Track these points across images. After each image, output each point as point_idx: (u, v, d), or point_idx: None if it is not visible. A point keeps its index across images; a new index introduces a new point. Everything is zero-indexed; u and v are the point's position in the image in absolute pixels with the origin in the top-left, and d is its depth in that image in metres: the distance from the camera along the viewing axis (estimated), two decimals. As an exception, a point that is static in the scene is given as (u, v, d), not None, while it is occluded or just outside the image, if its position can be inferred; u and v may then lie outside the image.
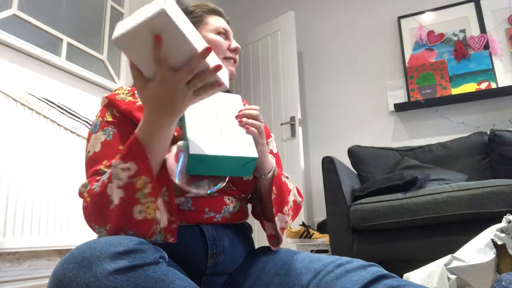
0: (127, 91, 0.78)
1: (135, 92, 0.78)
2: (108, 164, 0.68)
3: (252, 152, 0.66)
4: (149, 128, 0.60)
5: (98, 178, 0.66)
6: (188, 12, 0.88)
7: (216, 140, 0.64)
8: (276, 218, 0.78)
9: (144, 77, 0.57)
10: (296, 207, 0.86)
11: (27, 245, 1.45)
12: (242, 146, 0.66)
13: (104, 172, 0.67)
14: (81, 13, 2.08)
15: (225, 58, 0.86)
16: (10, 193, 1.42)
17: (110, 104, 0.76)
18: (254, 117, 0.72)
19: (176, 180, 0.63)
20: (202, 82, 0.57)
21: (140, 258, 0.50)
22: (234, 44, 0.88)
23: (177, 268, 0.64)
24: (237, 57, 0.90)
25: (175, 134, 0.71)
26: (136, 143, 0.60)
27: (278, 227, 0.79)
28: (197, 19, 0.87)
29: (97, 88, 2.02)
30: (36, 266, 1.53)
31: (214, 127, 0.66)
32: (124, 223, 0.59)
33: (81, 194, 0.67)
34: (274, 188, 0.77)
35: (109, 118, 0.74)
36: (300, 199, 0.89)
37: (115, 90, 0.80)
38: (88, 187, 0.65)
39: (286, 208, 0.80)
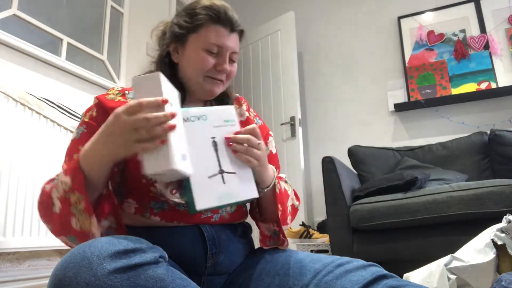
0: (117, 91, 0.80)
1: (125, 92, 0.80)
2: (67, 162, 0.72)
3: (252, 193, 0.67)
4: (91, 151, 0.61)
5: (53, 177, 0.69)
6: (191, 14, 0.80)
7: (218, 186, 0.64)
8: (282, 228, 0.80)
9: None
10: (294, 211, 0.87)
11: (27, 245, 1.45)
12: (243, 188, 0.66)
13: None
14: (81, 13, 2.08)
15: (208, 77, 0.80)
16: (10, 193, 1.42)
17: (96, 105, 0.77)
18: (252, 143, 0.68)
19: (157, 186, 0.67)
20: (149, 134, 0.55)
21: (140, 258, 0.50)
22: (222, 66, 0.79)
23: (176, 268, 0.65)
24: (223, 77, 0.81)
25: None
26: (76, 160, 0.63)
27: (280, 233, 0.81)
28: (193, 27, 0.79)
29: (97, 88, 2.02)
30: (36, 266, 1.53)
31: (214, 167, 0.65)
32: (64, 229, 0.63)
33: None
34: (279, 205, 0.77)
35: (86, 118, 0.75)
36: (298, 203, 0.90)
37: (107, 91, 0.81)
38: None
39: (289, 218, 0.83)
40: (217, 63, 0.79)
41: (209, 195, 0.62)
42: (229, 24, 0.80)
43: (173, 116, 0.56)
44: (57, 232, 0.66)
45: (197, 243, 0.72)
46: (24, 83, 1.61)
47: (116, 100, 0.77)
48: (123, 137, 0.57)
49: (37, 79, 1.69)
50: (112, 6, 2.24)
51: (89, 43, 2.06)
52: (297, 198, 0.90)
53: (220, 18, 0.79)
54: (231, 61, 0.83)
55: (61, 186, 0.61)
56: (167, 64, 0.84)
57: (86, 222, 0.61)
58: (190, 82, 0.82)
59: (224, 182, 0.64)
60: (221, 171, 0.65)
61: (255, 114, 0.95)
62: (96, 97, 0.78)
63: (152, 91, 0.57)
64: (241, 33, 0.84)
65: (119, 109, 0.57)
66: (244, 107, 0.92)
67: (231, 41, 0.80)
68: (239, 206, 0.82)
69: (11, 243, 1.40)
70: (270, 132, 0.96)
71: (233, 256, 0.77)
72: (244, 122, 0.88)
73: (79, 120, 1.76)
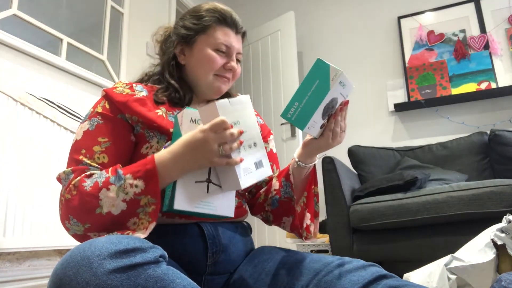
0: (125, 85, 0.80)
1: (133, 85, 0.80)
2: (87, 154, 0.70)
3: (229, 212, 0.70)
4: (170, 158, 0.64)
5: (87, 173, 0.67)
6: (197, 16, 0.85)
7: (201, 194, 0.67)
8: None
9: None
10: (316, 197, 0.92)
11: (27, 245, 1.45)
12: (223, 204, 0.69)
13: (87, 165, 0.69)
14: (81, 13, 2.08)
15: (217, 75, 0.84)
16: (10, 193, 1.42)
17: (105, 97, 0.78)
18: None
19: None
20: (231, 149, 0.64)
21: (140, 257, 0.50)
22: (231, 64, 0.85)
23: (177, 267, 0.65)
24: (230, 75, 0.87)
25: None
26: (151, 164, 0.63)
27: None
28: (202, 28, 0.84)
29: (97, 88, 2.02)
30: (36, 266, 1.53)
31: (203, 174, 0.68)
32: (108, 227, 0.63)
33: (59, 179, 0.70)
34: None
35: (99, 109, 0.76)
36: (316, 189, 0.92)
37: (114, 84, 0.81)
38: (75, 180, 0.66)
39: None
40: (226, 61, 0.84)
41: (189, 199, 0.64)
42: (234, 26, 0.86)
43: (241, 133, 0.66)
44: (93, 230, 0.64)
45: (197, 242, 0.72)
46: (24, 83, 1.61)
47: (124, 93, 0.77)
48: (210, 151, 0.63)
49: (37, 79, 1.69)
50: (112, 6, 2.24)
51: (89, 43, 2.06)
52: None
53: (226, 20, 0.84)
54: (237, 61, 0.87)
55: (130, 189, 0.62)
56: (174, 67, 0.87)
57: (145, 225, 0.62)
58: (199, 81, 0.86)
59: (207, 192, 0.67)
60: (209, 180, 0.67)
61: (256, 113, 0.96)
62: (104, 90, 0.78)
63: (213, 112, 0.64)
64: (244, 35, 0.90)
65: (206, 127, 0.63)
66: None
67: (237, 41, 0.86)
68: (239, 202, 0.82)
69: (11, 243, 1.40)
70: (271, 132, 0.98)
71: (234, 256, 0.77)
72: None
73: (79, 120, 1.77)
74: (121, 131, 0.74)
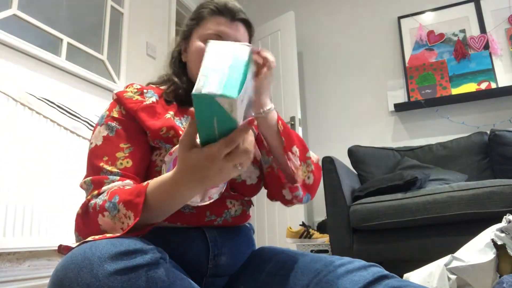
0: (135, 90, 0.78)
1: (144, 91, 0.78)
2: (109, 162, 0.69)
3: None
4: (170, 186, 0.57)
5: (103, 180, 0.67)
6: (195, 11, 0.84)
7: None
8: (288, 154, 0.74)
9: (192, 144, 0.53)
10: (317, 168, 0.83)
11: (27, 245, 1.45)
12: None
13: (107, 173, 0.68)
14: (81, 13, 2.08)
15: None
16: (10, 193, 1.42)
17: (117, 101, 0.76)
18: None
19: None
20: (249, 159, 0.54)
21: (141, 259, 0.50)
22: None
23: (178, 269, 0.64)
24: None
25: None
26: (140, 197, 0.58)
27: (292, 165, 0.75)
28: (197, 21, 0.82)
29: (97, 88, 2.02)
30: (36, 266, 1.53)
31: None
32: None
33: (82, 187, 0.70)
34: (280, 123, 0.75)
35: (115, 114, 0.74)
36: (316, 157, 0.85)
37: (126, 87, 0.80)
38: (89, 196, 0.66)
39: (295, 148, 0.76)
40: None
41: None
42: (229, 13, 0.79)
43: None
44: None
45: (199, 244, 0.71)
46: (24, 83, 1.61)
47: (134, 98, 0.76)
48: (228, 175, 0.55)
49: (37, 79, 1.69)
50: (112, 6, 2.24)
51: (89, 43, 2.06)
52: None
53: (219, 9, 0.79)
54: None
55: (125, 220, 0.59)
56: (177, 64, 0.86)
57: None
58: (195, 77, 0.81)
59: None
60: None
61: None
62: (116, 94, 0.77)
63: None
64: (245, 22, 0.82)
65: (215, 154, 0.51)
66: None
67: (233, 29, 0.79)
68: (243, 209, 0.81)
69: (11, 243, 1.40)
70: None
71: (235, 258, 0.76)
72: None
73: (79, 120, 1.77)
74: (139, 135, 0.74)
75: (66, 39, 1.89)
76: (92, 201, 0.64)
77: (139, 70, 2.37)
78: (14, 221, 1.42)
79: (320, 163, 0.83)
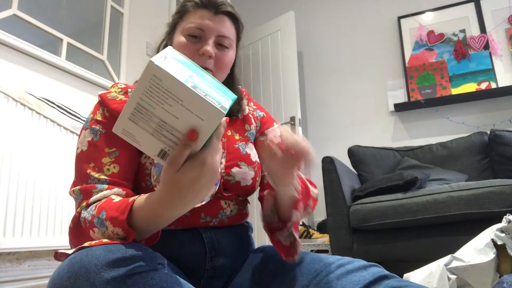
0: (120, 89, 0.75)
1: (128, 90, 0.75)
2: (95, 168, 0.67)
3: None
4: (156, 205, 0.54)
5: (92, 190, 0.64)
6: (180, 6, 0.80)
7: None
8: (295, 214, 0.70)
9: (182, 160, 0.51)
10: (314, 202, 0.79)
11: (27, 245, 1.45)
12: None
13: (94, 181, 0.66)
14: (81, 13, 2.08)
15: None
16: (10, 193, 1.42)
17: (100, 103, 0.73)
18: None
19: None
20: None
21: (138, 265, 0.49)
22: (204, 48, 0.72)
23: (176, 271, 0.64)
24: (209, 64, 0.73)
25: None
26: (125, 214, 0.56)
27: (293, 230, 0.72)
28: (180, 15, 0.78)
29: (97, 88, 2.02)
30: (36, 266, 1.53)
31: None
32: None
33: (71, 195, 0.68)
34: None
35: (99, 117, 0.71)
36: (316, 191, 0.79)
37: (110, 87, 0.77)
38: (79, 207, 0.64)
39: (301, 205, 0.71)
40: (200, 47, 0.73)
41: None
42: (213, 6, 0.75)
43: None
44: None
45: (196, 246, 0.71)
46: (24, 83, 1.61)
47: (117, 99, 0.73)
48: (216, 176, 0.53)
49: (37, 79, 1.69)
50: (112, 6, 2.24)
51: (89, 43, 2.06)
52: (312, 185, 0.80)
53: (203, 1, 0.75)
54: (221, 46, 0.76)
55: (114, 237, 0.57)
56: None
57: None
58: None
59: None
60: None
61: (255, 107, 0.93)
62: (99, 95, 0.75)
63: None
64: (230, 15, 0.78)
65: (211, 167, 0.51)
66: (245, 101, 0.90)
67: (216, 22, 0.75)
68: (239, 209, 0.80)
69: (11, 243, 1.40)
70: (275, 124, 0.92)
71: (232, 259, 0.76)
72: (242, 120, 0.88)
73: (79, 120, 1.77)
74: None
75: (66, 39, 1.89)
76: (82, 215, 0.62)
77: (139, 70, 2.36)
78: (14, 221, 1.42)
79: (318, 196, 0.80)
